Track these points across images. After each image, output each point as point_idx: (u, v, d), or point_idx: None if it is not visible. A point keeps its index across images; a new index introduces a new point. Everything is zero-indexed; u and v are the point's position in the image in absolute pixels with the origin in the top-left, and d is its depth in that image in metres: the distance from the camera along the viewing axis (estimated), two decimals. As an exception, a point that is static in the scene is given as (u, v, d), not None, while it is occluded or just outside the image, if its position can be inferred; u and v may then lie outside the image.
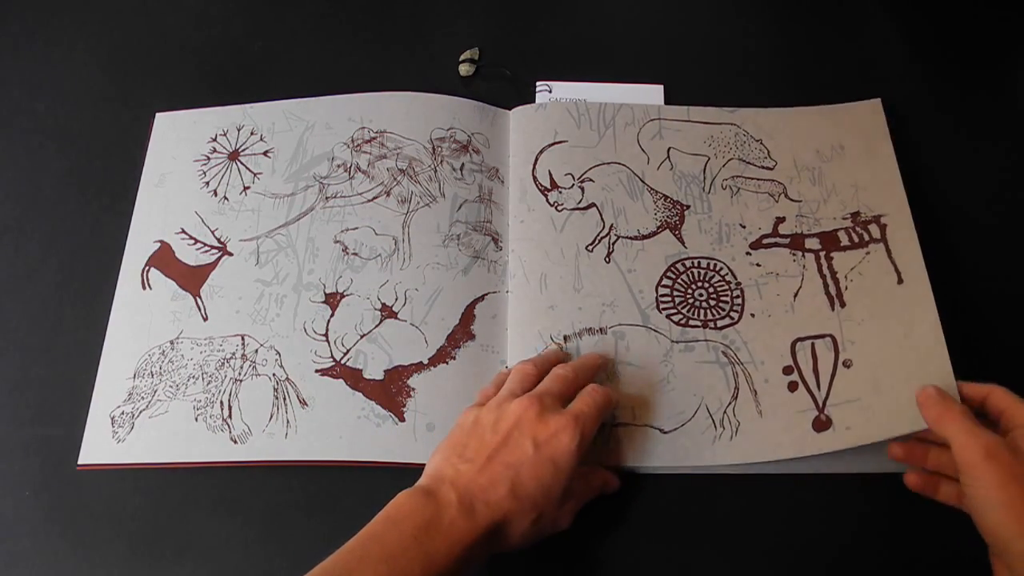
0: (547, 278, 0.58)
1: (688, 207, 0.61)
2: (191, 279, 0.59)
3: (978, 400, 0.49)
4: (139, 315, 0.58)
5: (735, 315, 0.57)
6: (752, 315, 0.57)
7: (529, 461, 0.45)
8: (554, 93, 0.67)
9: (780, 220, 0.60)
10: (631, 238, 0.59)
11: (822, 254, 0.59)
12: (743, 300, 0.57)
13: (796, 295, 0.57)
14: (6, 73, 0.70)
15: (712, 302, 0.57)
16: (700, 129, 0.64)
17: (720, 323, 0.56)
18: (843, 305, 0.57)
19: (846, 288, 0.57)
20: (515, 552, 0.47)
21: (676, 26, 0.72)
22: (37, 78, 0.70)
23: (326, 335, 0.57)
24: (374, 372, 0.56)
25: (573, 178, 0.62)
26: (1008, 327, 0.58)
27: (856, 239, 0.59)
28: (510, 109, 0.65)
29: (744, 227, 0.60)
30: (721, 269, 0.58)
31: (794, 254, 0.59)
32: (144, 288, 0.59)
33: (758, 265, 0.58)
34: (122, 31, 0.72)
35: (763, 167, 0.62)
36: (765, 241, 0.59)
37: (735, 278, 0.58)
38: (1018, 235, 0.61)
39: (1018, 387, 0.48)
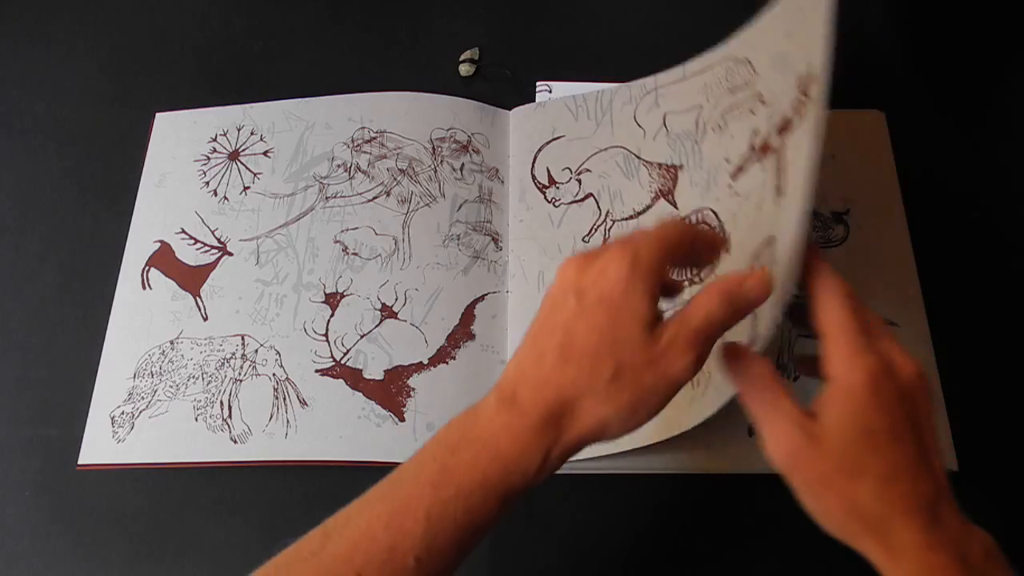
0: (544, 275, 0.58)
1: (681, 167, 0.59)
2: (191, 279, 0.59)
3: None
4: (139, 315, 0.58)
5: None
6: (727, 252, 0.51)
7: (573, 315, 0.35)
8: (554, 93, 0.67)
9: (755, 133, 0.54)
10: (627, 219, 0.59)
11: (779, 145, 0.50)
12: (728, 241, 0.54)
13: (760, 208, 0.49)
14: (6, 73, 0.70)
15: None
16: (696, 82, 0.61)
17: (703, 274, 0.52)
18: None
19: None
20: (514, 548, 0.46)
21: (676, 26, 0.72)
22: (37, 78, 0.70)
23: (326, 335, 0.57)
24: (374, 372, 0.56)
25: (571, 172, 0.61)
26: (1007, 335, 0.58)
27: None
28: (510, 109, 0.65)
29: (728, 161, 0.56)
30: (708, 217, 0.56)
31: (763, 163, 0.50)
32: (144, 288, 0.59)
33: (737, 195, 0.53)
34: (122, 31, 0.72)
35: (746, 84, 0.57)
36: (742, 166, 0.54)
37: (719, 220, 0.54)
38: (1018, 242, 0.61)
39: (1013, 402, 0.49)
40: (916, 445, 0.34)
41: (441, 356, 0.56)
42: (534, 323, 0.37)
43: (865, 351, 0.35)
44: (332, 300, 0.58)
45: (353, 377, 0.55)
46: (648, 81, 0.64)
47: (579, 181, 0.61)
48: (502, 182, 0.62)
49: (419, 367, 0.56)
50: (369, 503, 0.35)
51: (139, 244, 0.61)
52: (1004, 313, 0.58)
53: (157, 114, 0.66)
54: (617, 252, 0.35)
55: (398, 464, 0.50)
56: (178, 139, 0.65)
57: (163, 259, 0.60)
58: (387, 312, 0.57)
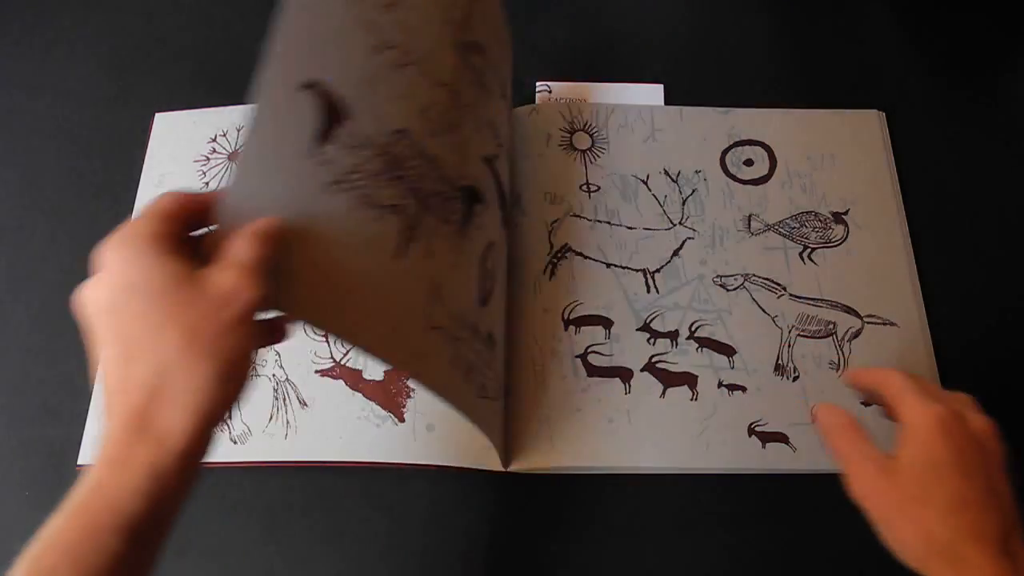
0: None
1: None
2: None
3: (867, 386, 0.45)
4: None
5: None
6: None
7: (105, 308, 0.35)
8: (554, 93, 0.67)
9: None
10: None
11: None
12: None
13: None
14: (6, 73, 0.70)
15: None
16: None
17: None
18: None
19: None
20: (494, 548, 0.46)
21: (676, 26, 0.72)
22: (37, 78, 0.70)
23: (326, 336, 0.57)
24: (374, 373, 0.56)
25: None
26: (1008, 336, 0.58)
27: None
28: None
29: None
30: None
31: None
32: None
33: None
34: (122, 31, 0.72)
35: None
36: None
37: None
38: (1018, 242, 0.61)
39: (1011, 402, 0.48)
40: (984, 481, 0.38)
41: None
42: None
43: (936, 402, 0.40)
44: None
45: (353, 378, 0.55)
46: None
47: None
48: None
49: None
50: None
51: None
52: (1003, 312, 0.59)
53: (157, 114, 0.66)
54: (117, 236, 0.35)
55: (398, 464, 0.50)
56: (178, 139, 0.65)
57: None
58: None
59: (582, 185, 0.62)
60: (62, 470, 0.54)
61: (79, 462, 0.54)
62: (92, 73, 0.70)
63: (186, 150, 0.65)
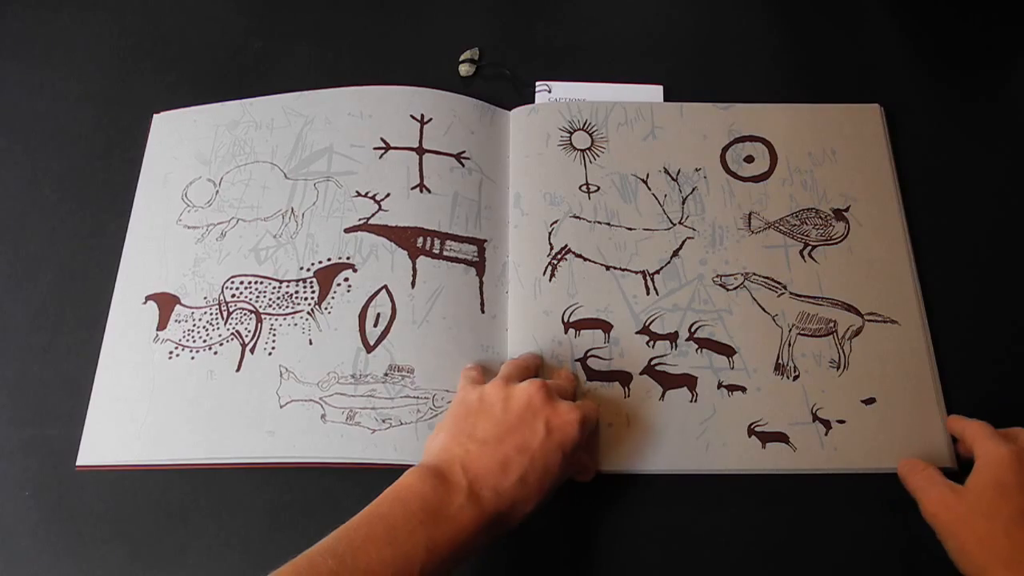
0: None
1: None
2: (191, 278, 0.59)
3: (957, 433, 0.52)
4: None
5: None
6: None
7: (541, 445, 0.45)
8: (554, 93, 0.67)
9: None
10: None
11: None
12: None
13: None
14: (6, 73, 0.70)
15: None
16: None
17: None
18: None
19: None
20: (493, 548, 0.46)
21: (676, 26, 0.72)
22: (37, 78, 0.70)
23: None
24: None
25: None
26: (1008, 335, 0.58)
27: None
28: (510, 109, 0.65)
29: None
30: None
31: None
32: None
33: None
34: (122, 31, 0.72)
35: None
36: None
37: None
38: (1019, 236, 0.61)
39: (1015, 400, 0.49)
40: None
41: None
42: (497, 419, 0.46)
43: (1010, 443, 0.47)
44: (332, 299, 0.58)
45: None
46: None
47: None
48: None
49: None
50: (373, 541, 0.41)
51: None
52: (1004, 308, 0.58)
53: (156, 114, 0.66)
54: (578, 412, 0.47)
55: (398, 465, 0.50)
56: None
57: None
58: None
59: (581, 185, 0.62)
60: (62, 470, 0.54)
61: (78, 462, 0.54)
62: (92, 73, 0.70)
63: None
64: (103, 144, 0.66)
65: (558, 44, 0.71)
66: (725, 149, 0.63)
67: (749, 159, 0.63)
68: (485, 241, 0.60)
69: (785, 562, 0.51)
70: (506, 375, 0.50)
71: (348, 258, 0.58)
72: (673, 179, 0.62)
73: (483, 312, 0.57)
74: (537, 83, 0.68)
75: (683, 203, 0.61)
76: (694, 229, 0.60)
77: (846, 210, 0.60)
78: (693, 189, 0.61)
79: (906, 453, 0.52)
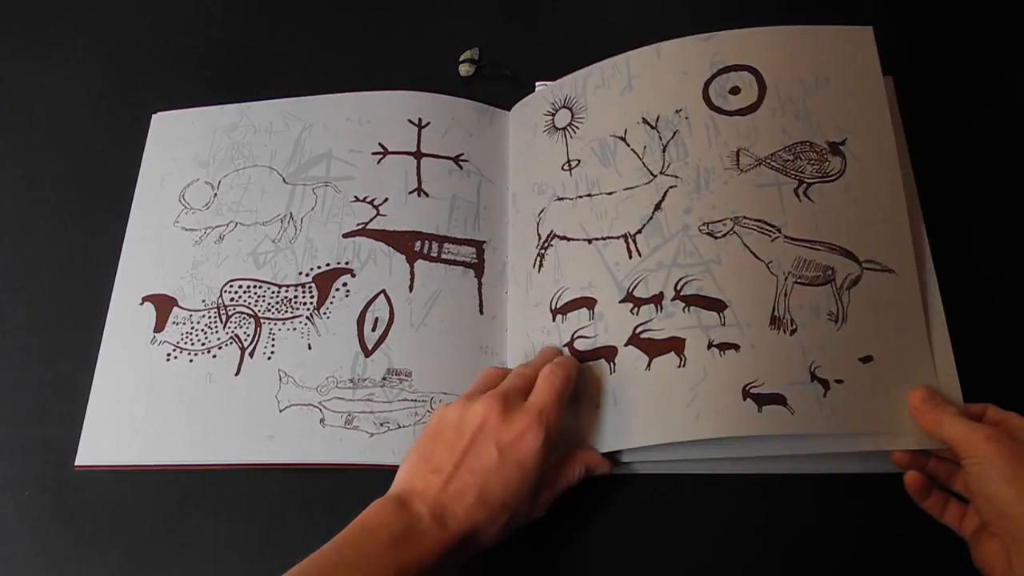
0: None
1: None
2: (190, 280, 0.59)
3: (975, 417, 0.48)
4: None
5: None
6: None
7: (495, 467, 0.45)
8: (554, 93, 0.67)
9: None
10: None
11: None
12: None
13: None
14: (6, 73, 0.70)
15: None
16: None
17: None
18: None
19: None
20: (495, 549, 0.47)
21: (675, 26, 0.71)
22: (37, 78, 0.70)
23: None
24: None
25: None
26: (1018, 314, 0.55)
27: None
28: (510, 110, 0.65)
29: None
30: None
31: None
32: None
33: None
34: (122, 31, 0.72)
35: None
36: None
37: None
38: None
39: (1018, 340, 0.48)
40: None
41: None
42: (451, 445, 0.46)
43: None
44: (331, 301, 0.58)
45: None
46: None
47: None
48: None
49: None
50: (344, 568, 0.42)
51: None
52: (1013, 264, 0.57)
53: (155, 114, 0.66)
54: (534, 421, 0.46)
55: (398, 466, 0.50)
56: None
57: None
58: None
59: (563, 164, 0.59)
60: (61, 470, 0.54)
61: (77, 462, 0.54)
62: (92, 73, 0.70)
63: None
64: (103, 144, 0.66)
65: (558, 44, 0.70)
66: (708, 83, 0.57)
67: (735, 90, 0.56)
68: (484, 242, 0.60)
69: (785, 562, 0.51)
70: (470, 393, 0.50)
71: (346, 263, 0.59)
72: (652, 127, 0.56)
73: (482, 313, 0.57)
74: (537, 83, 0.67)
75: (663, 150, 0.55)
76: (677, 176, 0.54)
77: (842, 143, 0.54)
78: (674, 133, 0.56)
79: (903, 416, 0.48)
